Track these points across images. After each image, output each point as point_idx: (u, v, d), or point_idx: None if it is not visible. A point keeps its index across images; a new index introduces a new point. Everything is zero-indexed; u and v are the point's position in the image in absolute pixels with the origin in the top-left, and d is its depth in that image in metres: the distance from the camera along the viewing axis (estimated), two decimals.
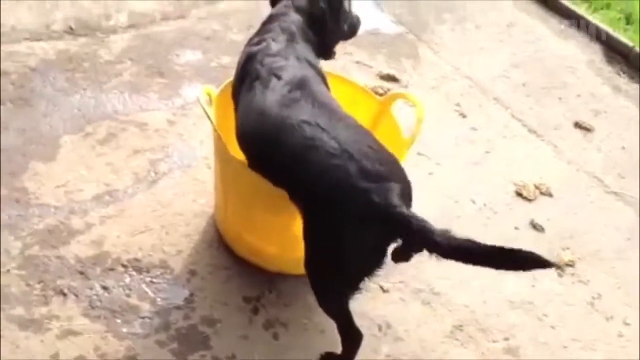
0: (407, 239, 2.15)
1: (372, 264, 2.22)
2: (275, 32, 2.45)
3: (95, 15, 3.72)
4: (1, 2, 3.64)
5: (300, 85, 2.27)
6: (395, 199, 2.07)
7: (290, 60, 2.35)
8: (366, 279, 2.25)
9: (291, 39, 2.43)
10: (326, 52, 2.63)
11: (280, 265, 2.65)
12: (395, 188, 2.09)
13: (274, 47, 2.39)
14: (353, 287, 2.29)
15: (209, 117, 2.39)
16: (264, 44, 2.40)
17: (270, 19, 2.53)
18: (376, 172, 2.08)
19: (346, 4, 2.62)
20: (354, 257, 2.17)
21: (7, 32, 3.47)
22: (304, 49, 2.43)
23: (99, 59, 3.47)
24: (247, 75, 2.36)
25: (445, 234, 2.08)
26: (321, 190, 2.12)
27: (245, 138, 2.34)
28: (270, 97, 2.24)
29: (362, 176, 2.07)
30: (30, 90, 3.22)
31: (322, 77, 2.43)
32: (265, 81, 2.29)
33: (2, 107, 3.10)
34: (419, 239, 2.10)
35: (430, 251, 2.10)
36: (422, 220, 2.09)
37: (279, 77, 2.28)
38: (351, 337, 2.40)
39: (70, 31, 3.59)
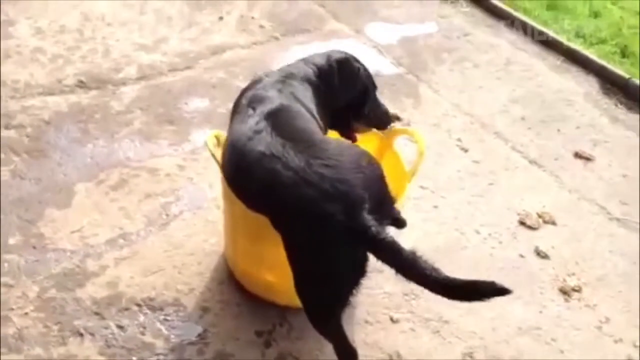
0: (375, 253, 2.20)
1: (352, 277, 2.28)
2: (274, 72, 2.57)
3: (105, 69, 3.86)
4: (14, 59, 3.80)
5: (269, 116, 2.32)
6: (365, 217, 2.11)
7: (270, 92, 2.43)
8: (353, 291, 2.31)
9: (286, 77, 2.52)
10: (338, 118, 2.67)
11: (290, 298, 2.70)
12: (357, 201, 2.12)
13: (264, 81, 2.50)
14: (340, 301, 2.35)
15: (215, 159, 2.49)
16: (258, 80, 2.53)
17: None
18: (335, 191, 2.11)
19: (377, 95, 2.76)
20: (333, 274, 2.24)
21: (21, 88, 3.62)
22: (296, 87, 2.50)
23: (110, 109, 3.60)
24: (235, 108, 2.49)
25: (414, 257, 2.14)
26: (290, 217, 2.20)
27: (224, 170, 2.44)
28: (241, 129, 2.33)
29: (323, 199, 2.11)
30: (45, 142, 3.34)
31: (309, 111, 2.47)
32: (242, 113, 2.39)
33: (18, 158, 3.22)
34: (387, 261, 2.16)
35: (397, 272, 2.16)
36: (390, 242, 2.14)
37: (253, 109, 2.36)
38: (346, 355, 2.46)
39: (82, 85, 3.74)
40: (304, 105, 2.47)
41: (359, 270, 2.26)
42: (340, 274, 2.25)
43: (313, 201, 2.12)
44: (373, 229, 2.11)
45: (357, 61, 2.71)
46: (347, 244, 2.15)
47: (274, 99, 2.40)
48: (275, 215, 2.25)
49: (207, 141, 2.57)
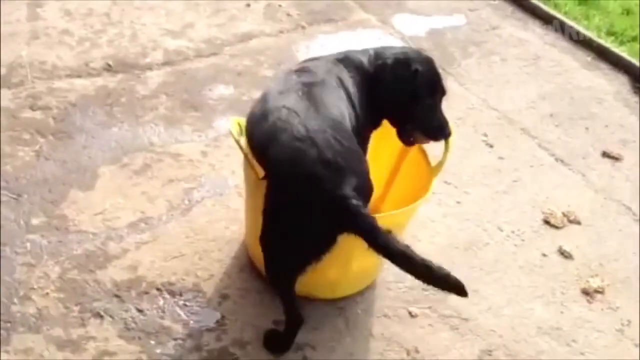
0: (352, 231, 2.19)
1: (317, 248, 2.30)
2: (332, 54, 2.58)
3: (132, 53, 3.87)
4: (42, 41, 3.82)
5: (307, 85, 2.37)
6: (347, 191, 2.14)
7: (318, 69, 2.46)
8: (312, 262, 2.32)
9: (340, 61, 2.52)
10: (376, 115, 2.59)
11: (309, 289, 2.70)
12: (350, 181, 2.16)
13: (319, 59, 2.53)
14: (298, 267, 2.36)
15: (237, 143, 2.47)
16: (314, 58, 2.58)
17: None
18: (335, 162, 2.16)
19: (437, 108, 2.57)
20: (300, 237, 2.27)
21: (49, 69, 3.64)
22: (345, 72, 2.49)
23: (135, 94, 3.61)
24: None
25: (388, 235, 2.15)
26: (280, 168, 2.23)
27: (247, 118, 2.47)
28: (276, 85, 2.41)
29: (320, 163, 2.15)
30: (70, 124, 3.35)
31: (349, 97, 2.45)
32: (284, 76, 2.45)
33: (43, 139, 3.24)
34: (362, 234, 2.16)
35: (369, 245, 2.18)
36: (369, 217, 2.16)
37: (297, 76, 2.42)
38: (292, 318, 2.49)
39: (109, 68, 3.74)
40: (347, 92, 2.45)
41: (324, 246, 2.28)
42: (308, 239, 2.27)
43: (311, 161, 2.16)
44: (354, 202, 2.14)
45: (424, 65, 2.53)
46: (325, 212, 2.17)
47: (319, 74, 2.43)
48: (271, 162, 2.26)
49: (230, 128, 2.56)
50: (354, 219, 2.16)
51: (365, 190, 2.26)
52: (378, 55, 2.55)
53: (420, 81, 2.50)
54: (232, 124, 2.57)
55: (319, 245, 2.30)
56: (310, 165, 2.16)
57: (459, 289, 2.22)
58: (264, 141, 2.29)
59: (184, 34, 4.08)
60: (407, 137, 2.64)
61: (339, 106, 2.38)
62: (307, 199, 2.18)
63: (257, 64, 3.96)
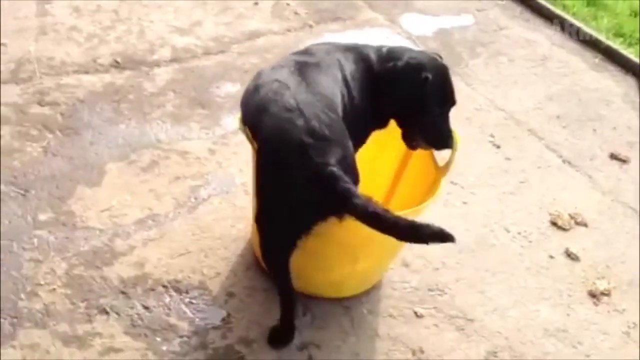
0: (330, 197, 2.20)
1: (304, 218, 2.30)
2: (341, 43, 2.61)
3: (139, 50, 3.87)
4: (51, 37, 3.82)
5: (302, 64, 2.41)
6: (331, 160, 2.17)
7: (318, 52, 2.50)
8: (302, 235, 2.33)
9: (346, 50, 2.53)
10: (382, 114, 2.58)
11: (315, 288, 2.70)
12: (334, 151, 2.20)
13: (324, 44, 2.59)
14: (288, 240, 2.37)
15: (248, 138, 2.46)
16: (322, 43, 2.64)
17: None
18: (321, 133, 2.20)
19: (444, 119, 2.53)
20: (287, 207, 2.28)
21: (57, 66, 3.64)
22: (346, 58, 2.50)
23: (143, 91, 3.61)
24: None
25: (365, 199, 2.16)
26: (269, 137, 2.27)
27: (242, 94, 2.53)
28: (272, 65, 2.48)
29: (306, 132, 2.19)
30: (78, 120, 3.36)
31: (345, 83, 2.45)
32: (285, 57, 2.52)
33: (51, 135, 3.24)
34: (341, 198, 2.17)
35: (349, 212, 2.19)
36: (348, 182, 2.18)
37: (296, 55, 2.49)
38: (286, 300, 2.49)
39: (117, 65, 3.75)
40: (344, 77, 2.45)
41: (311, 215, 2.29)
42: (294, 209, 2.28)
43: (298, 130, 2.19)
44: (336, 169, 2.17)
45: (436, 73, 2.47)
46: (308, 180, 2.19)
47: (317, 56, 2.47)
48: (261, 132, 2.29)
49: (239, 122, 2.53)
50: (335, 186, 2.16)
51: (348, 164, 2.26)
52: (390, 55, 2.53)
53: (430, 89, 2.45)
54: (239, 119, 2.57)
55: (307, 215, 2.29)
56: (297, 134, 2.19)
57: (444, 237, 2.21)
58: (256, 114, 2.34)
59: (192, 32, 4.08)
60: (411, 141, 2.62)
61: (332, 87, 2.39)
62: (292, 166, 2.21)
63: (265, 62, 3.94)
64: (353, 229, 2.27)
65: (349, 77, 2.47)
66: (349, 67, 2.49)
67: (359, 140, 2.51)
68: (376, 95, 2.52)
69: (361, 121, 2.49)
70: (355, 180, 2.28)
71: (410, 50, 2.64)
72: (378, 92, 2.51)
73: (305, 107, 2.24)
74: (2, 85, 3.45)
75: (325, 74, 2.41)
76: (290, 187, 2.24)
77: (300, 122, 2.21)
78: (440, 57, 2.61)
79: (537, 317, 2.86)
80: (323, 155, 2.18)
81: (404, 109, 2.53)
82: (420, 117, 2.51)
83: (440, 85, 2.50)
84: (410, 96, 2.48)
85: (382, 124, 2.64)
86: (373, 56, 2.55)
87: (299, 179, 2.21)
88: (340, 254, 2.58)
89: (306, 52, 2.54)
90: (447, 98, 2.53)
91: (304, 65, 2.41)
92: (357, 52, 2.55)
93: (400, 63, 2.49)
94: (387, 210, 2.18)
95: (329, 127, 2.23)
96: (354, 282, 2.77)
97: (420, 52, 2.63)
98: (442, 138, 2.55)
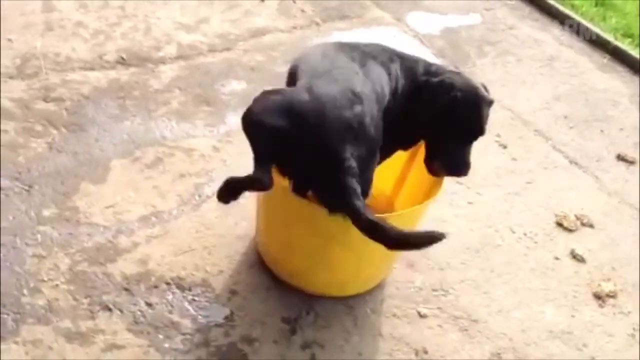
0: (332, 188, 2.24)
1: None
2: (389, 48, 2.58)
3: (145, 46, 3.86)
4: (57, 33, 3.82)
5: (364, 54, 2.45)
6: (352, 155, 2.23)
7: (375, 51, 2.50)
8: None
9: (395, 55, 2.52)
10: (409, 129, 2.53)
11: (318, 287, 2.70)
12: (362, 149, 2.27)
13: (378, 45, 2.57)
14: None
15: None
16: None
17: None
18: (368, 130, 2.28)
19: (466, 149, 2.50)
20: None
21: (63, 61, 3.64)
22: (397, 65, 2.50)
23: (148, 87, 3.60)
24: None
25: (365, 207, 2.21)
26: (322, 101, 2.26)
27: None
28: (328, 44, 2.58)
29: (357, 122, 2.24)
30: (83, 116, 3.35)
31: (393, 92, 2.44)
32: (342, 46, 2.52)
33: (56, 131, 3.24)
34: (342, 195, 2.22)
35: (346, 213, 2.25)
36: (355, 185, 2.22)
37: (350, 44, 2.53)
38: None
39: (122, 61, 3.74)
40: (394, 87, 2.46)
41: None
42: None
43: (352, 114, 2.23)
44: (351, 166, 2.20)
45: (467, 97, 2.41)
46: (323, 160, 2.22)
47: (374, 55, 2.47)
48: (313, 92, 2.26)
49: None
50: (343, 180, 2.19)
51: (367, 171, 2.30)
52: (434, 71, 2.49)
53: (457, 111, 2.39)
54: None
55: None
56: (350, 116, 2.21)
57: (433, 238, 2.21)
58: (315, 73, 2.35)
59: (198, 29, 4.07)
60: (432, 165, 2.54)
61: (385, 92, 2.43)
62: (323, 138, 2.21)
63: (270, 59, 3.95)
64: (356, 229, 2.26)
65: (397, 87, 2.45)
66: (398, 76, 2.47)
67: (384, 153, 2.47)
68: (411, 109, 2.46)
69: (392, 134, 2.44)
70: (365, 191, 2.27)
71: (457, 73, 2.54)
72: (412, 106, 2.46)
73: (367, 100, 2.27)
74: (8, 81, 3.45)
75: (381, 76, 2.41)
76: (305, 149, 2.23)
77: (357, 109, 2.23)
78: (486, 89, 2.53)
79: (542, 319, 2.84)
80: (352, 148, 2.20)
81: (431, 126, 2.46)
82: (444, 140, 2.46)
83: (470, 111, 2.42)
84: (436, 114, 2.41)
85: (409, 142, 2.61)
86: (420, 69, 2.50)
87: (316, 154, 2.22)
88: (344, 254, 2.57)
89: (362, 47, 2.50)
90: (474, 126, 2.46)
91: (367, 60, 2.41)
92: (407, 62, 2.52)
93: (435, 79, 2.43)
94: (381, 219, 2.20)
95: (375, 129, 2.28)
96: (358, 282, 2.76)
97: (466, 78, 2.51)
98: (458, 166, 2.50)
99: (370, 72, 2.39)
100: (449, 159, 2.50)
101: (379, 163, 2.47)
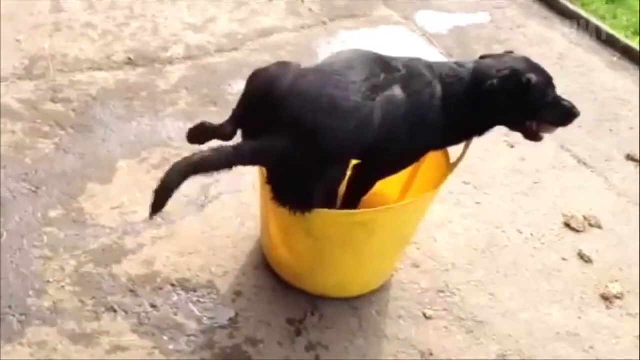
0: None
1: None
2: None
3: (153, 47, 3.87)
4: (65, 33, 3.84)
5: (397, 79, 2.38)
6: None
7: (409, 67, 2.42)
8: None
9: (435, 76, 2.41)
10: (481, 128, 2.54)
11: (322, 289, 2.69)
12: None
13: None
14: None
15: None
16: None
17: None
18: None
19: (558, 97, 2.49)
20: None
21: (71, 62, 3.65)
22: (433, 76, 2.41)
23: (156, 88, 3.61)
24: None
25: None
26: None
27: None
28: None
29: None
30: (90, 117, 3.36)
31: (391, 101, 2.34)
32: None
33: (63, 132, 3.25)
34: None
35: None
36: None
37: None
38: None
39: (130, 62, 3.75)
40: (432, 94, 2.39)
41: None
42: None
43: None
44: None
45: (530, 70, 2.42)
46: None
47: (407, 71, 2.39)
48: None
49: None
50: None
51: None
52: (479, 73, 2.41)
53: (535, 88, 2.39)
54: None
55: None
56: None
57: None
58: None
59: (206, 29, 4.08)
60: (534, 133, 2.52)
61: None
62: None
63: (278, 59, 3.88)
64: (353, 228, 2.25)
65: (436, 97, 2.40)
66: (435, 85, 2.41)
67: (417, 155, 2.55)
68: (468, 111, 2.42)
69: (460, 129, 2.48)
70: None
71: (493, 63, 2.48)
72: (475, 111, 2.42)
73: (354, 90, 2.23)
74: (16, 82, 3.47)
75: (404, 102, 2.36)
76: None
77: (333, 90, 2.21)
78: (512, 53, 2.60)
79: (549, 320, 2.83)
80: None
81: (516, 114, 2.46)
82: (539, 110, 2.45)
83: (541, 76, 2.44)
84: (519, 103, 2.40)
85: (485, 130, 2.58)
86: (465, 78, 2.43)
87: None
88: (343, 253, 2.56)
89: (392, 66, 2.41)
90: (548, 80, 2.48)
91: (391, 86, 2.34)
92: (448, 78, 2.44)
93: (497, 81, 2.37)
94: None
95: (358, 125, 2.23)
96: (360, 281, 2.75)
97: (503, 59, 2.51)
98: (570, 111, 2.50)
99: (384, 97, 2.30)
100: (559, 116, 2.50)
101: (443, 147, 2.55)
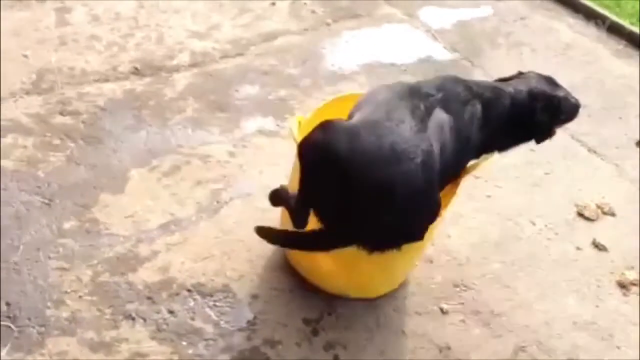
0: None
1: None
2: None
3: (158, 56, 3.89)
4: (71, 46, 3.87)
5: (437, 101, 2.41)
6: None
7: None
8: None
9: (440, 104, 2.41)
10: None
11: (345, 290, 2.69)
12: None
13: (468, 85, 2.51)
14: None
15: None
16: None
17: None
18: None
19: (560, 93, 2.66)
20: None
21: (78, 75, 3.68)
22: (439, 117, 2.39)
23: (163, 96, 3.63)
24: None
25: None
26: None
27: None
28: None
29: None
30: (100, 128, 3.38)
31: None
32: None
33: (74, 144, 3.28)
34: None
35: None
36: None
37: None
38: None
39: (136, 72, 3.77)
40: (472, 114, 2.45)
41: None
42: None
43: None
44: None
45: (557, 89, 2.67)
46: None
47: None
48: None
49: (291, 126, 2.53)
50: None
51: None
52: (518, 96, 2.56)
53: (564, 103, 2.63)
54: (293, 122, 2.56)
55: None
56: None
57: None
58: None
59: (210, 35, 4.10)
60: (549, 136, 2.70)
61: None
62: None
63: (283, 62, 3.96)
64: None
65: (490, 118, 2.48)
66: (478, 112, 2.47)
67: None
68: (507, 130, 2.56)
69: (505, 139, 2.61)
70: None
71: (521, 90, 2.61)
72: (510, 128, 2.56)
73: (407, 160, 2.19)
74: (24, 97, 3.50)
75: (450, 122, 2.39)
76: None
77: (389, 170, 2.18)
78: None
79: (566, 310, 2.82)
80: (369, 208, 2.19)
81: (547, 128, 2.67)
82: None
83: (555, 85, 2.68)
84: (555, 118, 2.65)
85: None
86: (506, 101, 2.54)
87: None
88: (369, 256, 2.55)
89: (432, 93, 2.43)
90: (556, 84, 2.70)
91: (434, 109, 2.36)
92: (487, 95, 2.52)
93: (538, 104, 2.56)
94: None
95: (413, 187, 2.20)
96: (384, 283, 2.75)
97: (529, 82, 2.66)
98: (577, 107, 2.72)
99: (433, 123, 2.32)
100: (571, 115, 2.74)
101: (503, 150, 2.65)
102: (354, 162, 2.17)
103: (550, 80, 2.68)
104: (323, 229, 2.29)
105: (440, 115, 2.35)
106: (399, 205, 2.18)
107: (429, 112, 2.33)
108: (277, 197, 2.51)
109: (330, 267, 2.66)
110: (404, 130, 2.22)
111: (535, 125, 2.58)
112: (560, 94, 2.63)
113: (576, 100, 2.68)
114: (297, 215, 2.37)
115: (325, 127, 2.25)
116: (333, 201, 2.22)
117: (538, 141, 2.67)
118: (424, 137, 2.25)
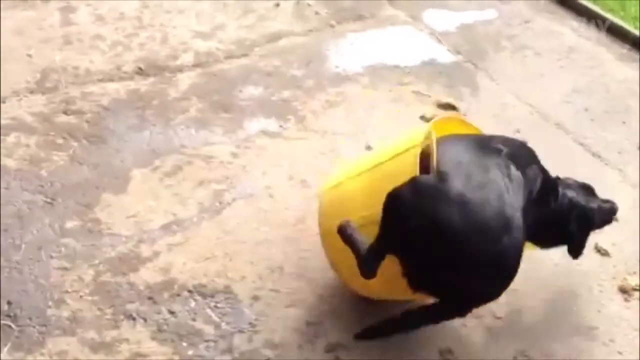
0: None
1: None
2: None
3: (162, 56, 3.90)
4: (75, 46, 3.87)
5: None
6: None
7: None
8: None
9: (511, 159, 2.39)
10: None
11: (368, 292, 2.65)
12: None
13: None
14: None
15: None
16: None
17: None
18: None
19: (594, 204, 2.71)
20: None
21: (82, 74, 3.69)
22: (515, 175, 2.36)
23: (167, 96, 3.64)
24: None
25: None
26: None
27: None
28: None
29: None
30: (103, 128, 3.39)
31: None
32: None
33: (77, 144, 3.28)
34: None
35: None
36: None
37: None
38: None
39: (140, 72, 3.78)
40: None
41: None
42: None
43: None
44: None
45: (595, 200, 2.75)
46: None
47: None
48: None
49: (431, 132, 2.37)
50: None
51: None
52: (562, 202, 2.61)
53: (596, 215, 2.71)
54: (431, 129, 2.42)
55: None
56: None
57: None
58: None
59: (214, 36, 4.10)
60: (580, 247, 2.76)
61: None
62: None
63: (287, 63, 3.96)
64: None
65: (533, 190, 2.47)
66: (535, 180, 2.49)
67: None
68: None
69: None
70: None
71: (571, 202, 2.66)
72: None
73: (516, 227, 2.23)
74: (28, 96, 3.51)
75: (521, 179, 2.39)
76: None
77: (505, 241, 2.20)
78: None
79: (567, 315, 2.81)
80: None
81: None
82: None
83: (591, 194, 2.79)
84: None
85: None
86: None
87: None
88: None
89: (501, 147, 2.41)
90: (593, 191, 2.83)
91: (510, 165, 2.35)
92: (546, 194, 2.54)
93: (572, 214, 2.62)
94: None
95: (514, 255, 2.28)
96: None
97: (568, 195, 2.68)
98: (612, 211, 2.86)
99: (514, 178, 2.31)
100: (602, 220, 2.83)
101: None
102: (469, 236, 2.14)
103: (588, 190, 2.75)
104: (436, 304, 2.32)
105: (515, 173, 2.33)
106: (510, 276, 2.29)
107: (507, 167, 2.32)
108: (342, 235, 2.32)
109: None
110: (502, 192, 2.21)
111: (567, 234, 2.64)
112: (595, 205, 2.68)
113: (612, 204, 2.78)
114: (368, 264, 2.25)
115: (411, 190, 2.17)
116: (432, 268, 2.19)
117: (570, 250, 2.70)
118: (518, 198, 2.27)
